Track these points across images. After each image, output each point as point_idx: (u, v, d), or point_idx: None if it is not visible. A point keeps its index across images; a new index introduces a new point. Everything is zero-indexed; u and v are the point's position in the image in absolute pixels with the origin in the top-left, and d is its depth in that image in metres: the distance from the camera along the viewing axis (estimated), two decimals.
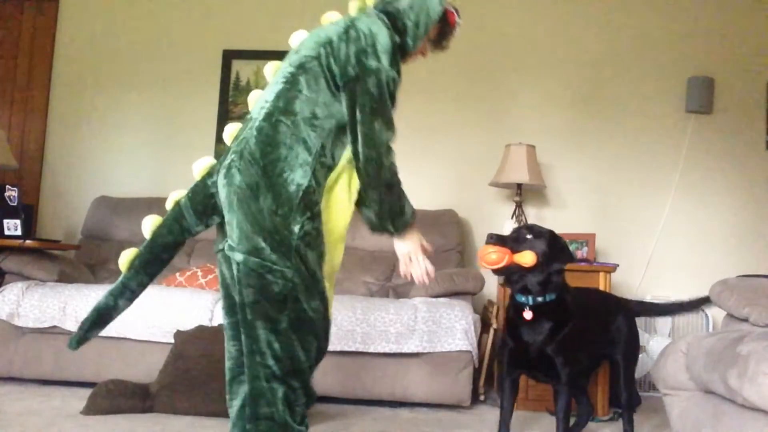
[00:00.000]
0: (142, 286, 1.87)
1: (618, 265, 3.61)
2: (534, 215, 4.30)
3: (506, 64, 4.48)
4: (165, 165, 4.65)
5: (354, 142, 1.78)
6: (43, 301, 3.42)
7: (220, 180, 1.79)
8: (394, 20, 1.87)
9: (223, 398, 2.79)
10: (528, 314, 2.35)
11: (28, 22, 4.87)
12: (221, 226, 1.85)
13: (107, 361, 3.32)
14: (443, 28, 2.00)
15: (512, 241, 2.33)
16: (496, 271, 2.36)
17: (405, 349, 3.22)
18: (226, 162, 1.79)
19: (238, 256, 1.72)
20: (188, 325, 3.23)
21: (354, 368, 3.23)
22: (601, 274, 3.46)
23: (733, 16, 4.37)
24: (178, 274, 3.80)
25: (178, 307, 3.34)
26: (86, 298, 3.39)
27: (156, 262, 1.88)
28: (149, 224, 1.87)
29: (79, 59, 4.82)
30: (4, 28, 4.87)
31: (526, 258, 2.28)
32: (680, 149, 4.34)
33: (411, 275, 1.98)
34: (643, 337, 3.83)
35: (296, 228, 1.70)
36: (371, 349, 3.21)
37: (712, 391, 2.08)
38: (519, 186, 4.07)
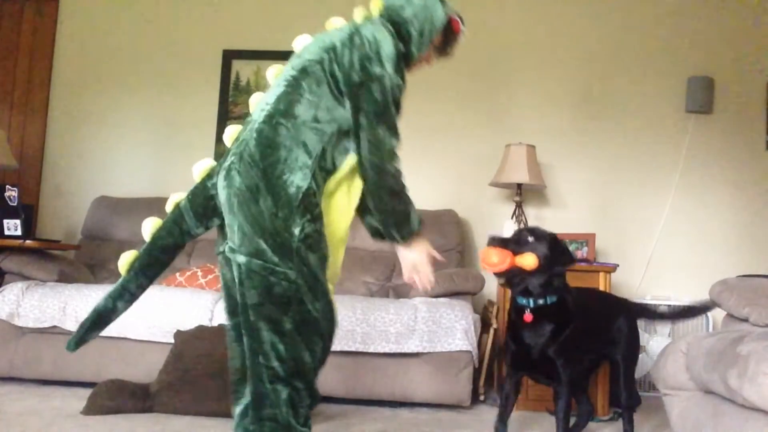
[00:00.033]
0: (142, 289, 1.87)
1: (618, 265, 3.61)
2: (534, 215, 4.31)
3: (506, 64, 4.48)
4: (165, 165, 4.65)
5: (358, 148, 1.79)
6: (43, 301, 3.42)
7: (220, 182, 1.79)
8: (398, 29, 1.89)
9: (223, 398, 2.81)
10: (528, 316, 2.36)
11: (28, 22, 4.87)
12: (221, 228, 1.85)
13: (107, 361, 3.32)
14: (447, 36, 2.01)
15: (514, 243, 2.33)
16: (497, 274, 2.36)
17: (405, 349, 3.22)
18: (226, 164, 1.79)
19: (240, 258, 1.72)
20: (188, 325, 3.23)
21: (354, 368, 3.23)
22: (601, 274, 3.46)
23: (733, 16, 4.37)
24: (178, 274, 3.80)
25: (178, 307, 3.34)
26: (86, 298, 3.39)
27: (156, 264, 1.87)
28: (149, 227, 1.87)
29: (79, 59, 4.82)
30: (4, 28, 4.87)
31: (528, 261, 2.28)
32: (680, 149, 4.34)
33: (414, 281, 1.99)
34: (643, 337, 3.83)
35: (296, 230, 1.70)
36: (371, 349, 3.21)
37: (712, 391, 2.08)
38: (519, 186, 4.07)
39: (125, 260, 1.85)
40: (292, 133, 1.75)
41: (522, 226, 4.04)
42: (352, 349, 3.20)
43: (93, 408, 2.80)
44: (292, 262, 1.70)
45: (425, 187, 4.29)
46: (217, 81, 4.67)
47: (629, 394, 2.68)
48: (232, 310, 1.87)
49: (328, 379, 3.15)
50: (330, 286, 1.82)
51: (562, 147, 4.40)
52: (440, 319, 3.26)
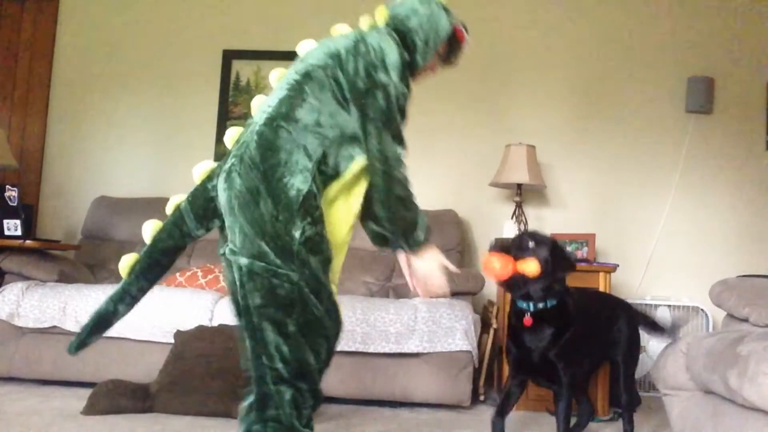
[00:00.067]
0: (143, 292, 1.88)
1: (618, 265, 3.61)
2: (534, 215, 4.31)
3: (506, 64, 4.48)
4: (165, 165, 4.65)
5: (367, 156, 1.79)
6: (43, 301, 3.42)
7: (221, 184, 1.79)
8: (403, 38, 1.90)
9: (223, 398, 2.81)
10: (528, 320, 2.35)
11: (28, 22, 4.86)
12: (222, 229, 1.85)
13: (107, 361, 3.32)
14: (452, 45, 2.02)
15: (515, 249, 2.31)
16: (501, 283, 2.36)
17: (405, 349, 3.22)
18: (227, 166, 1.79)
19: (242, 260, 1.72)
20: (188, 325, 3.23)
21: (354, 368, 3.23)
22: (601, 275, 3.46)
23: (733, 16, 4.37)
24: (178, 274, 3.80)
25: (178, 307, 3.34)
26: (86, 298, 3.39)
27: (156, 267, 1.88)
28: (149, 229, 1.87)
29: (79, 59, 4.82)
30: (4, 28, 4.87)
31: (531, 267, 2.25)
32: (680, 149, 4.34)
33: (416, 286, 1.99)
34: (643, 337, 3.82)
35: (297, 233, 1.70)
36: (371, 349, 3.21)
37: (712, 391, 2.08)
38: (519, 186, 4.07)
39: (126, 263, 1.85)
40: (293, 137, 1.75)
41: (522, 226, 4.04)
42: (352, 349, 3.20)
43: (93, 408, 2.80)
44: (294, 264, 1.70)
45: (425, 187, 4.26)
46: (217, 81, 4.67)
47: (629, 395, 2.68)
48: (237, 311, 1.87)
49: (328, 380, 3.12)
50: (333, 288, 1.82)
51: (562, 147, 4.40)
52: (440, 319, 3.26)
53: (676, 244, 4.29)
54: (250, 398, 1.84)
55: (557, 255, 2.34)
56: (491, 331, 3.50)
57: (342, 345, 3.17)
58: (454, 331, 3.23)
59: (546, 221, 4.32)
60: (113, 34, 4.80)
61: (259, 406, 1.74)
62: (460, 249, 4.14)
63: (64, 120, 4.79)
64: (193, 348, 3.01)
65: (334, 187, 1.80)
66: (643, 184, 4.36)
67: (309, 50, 1.93)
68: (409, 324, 3.25)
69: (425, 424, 2.97)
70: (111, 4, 4.84)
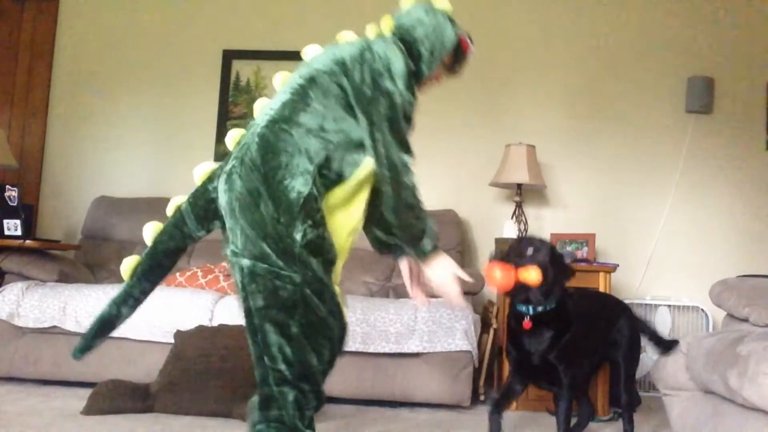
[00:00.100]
0: (145, 294, 1.88)
1: (618, 265, 3.61)
2: (534, 215, 4.31)
3: (506, 64, 4.48)
4: (165, 165, 4.65)
5: (375, 163, 1.80)
6: (43, 301, 3.42)
7: (221, 185, 1.79)
8: (409, 47, 1.91)
9: (223, 398, 2.81)
10: (527, 323, 2.34)
11: (28, 22, 4.86)
12: (225, 230, 1.85)
13: (107, 361, 3.31)
14: (457, 56, 2.04)
15: (515, 256, 2.30)
16: (504, 293, 2.35)
17: (405, 349, 3.22)
18: (228, 167, 1.80)
19: (245, 262, 1.72)
20: (188, 325, 3.23)
21: (354, 368, 3.22)
22: (601, 274, 3.47)
23: (733, 16, 4.37)
24: (178, 274, 3.80)
25: (178, 307, 3.34)
26: (86, 298, 3.39)
27: (158, 268, 1.88)
28: (150, 231, 1.88)
29: (79, 59, 4.82)
30: (4, 27, 4.87)
31: (532, 276, 2.22)
32: (680, 149, 4.34)
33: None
34: (644, 338, 3.82)
35: (298, 236, 1.70)
36: (371, 349, 3.21)
37: (712, 391, 2.08)
38: (519, 186, 4.07)
39: (128, 265, 1.86)
40: (295, 140, 1.75)
41: (522, 226, 4.04)
42: (352, 349, 3.19)
43: (93, 408, 2.80)
44: (296, 266, 1.70)
45: (425, 187, 4.21)
46: (217, 81, 4.67)
47: (629, 395, 2.68)
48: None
49: (328, 380, 3.15)
50: (337, 289, 1.82)
51: (562, 147, 4.40)
52: (440, 319, 3.26)
53: (676, 244, 4.29)
54: (256, 396, 1.84)
55: (557, 261, 2.34)
56: (491, 331, 3.50)
57: None
58: (454, 331, 3.23)
59: (546, 221, 4.32)
60: (113, 34, 4.80)
61: (263, 406, 1.75)
62: (460, 249, 4.14)
63: (64, 120, 4.79)
64: (193, 348, 3.01)
65: (336, 192, 1.80)
66: (643, 184, 4.36)
67: (314, 55, 1.93)
68: (409, 324, 3.25)
69: (425, 424, 2.97)
70: (111, 4, 4.84)
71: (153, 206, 4.13)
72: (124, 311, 1.86)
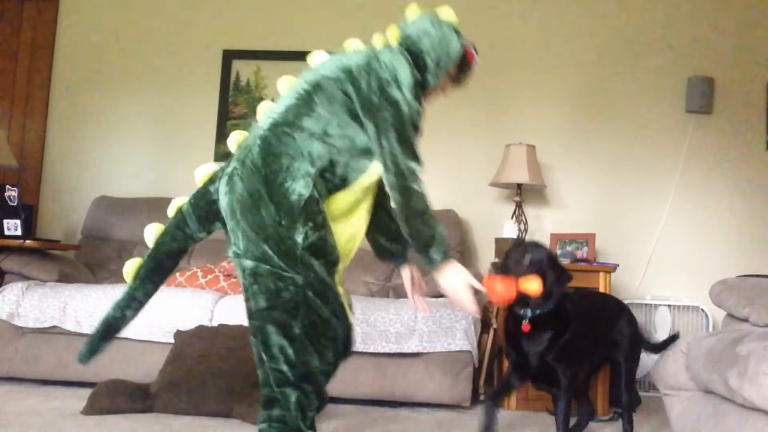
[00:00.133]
0: (148, 296, 1.89)
1: (618, 265, 3.61)
2: (534, 215, 4.30)
3: (506, 64, 4.47)
4: (165, 165, 4.65)
5: (383, 170, 1.81)
6: (43, 301, 3.42)
7: (222, 187, 1.80)
8: (415, 58, 1.92)
9: (223, 398, 2.81)
10: (526, 326, 2.34)
11: (28, 22, 4.86)
12: (227, 231, 1.86)
13: (107, 361, 3.30)
14: (462, 66, 2.06)
15: (514, 264, 2.27)
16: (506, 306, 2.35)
17: (405, 349, 3.22)
18: (229, 169, 1.80)
19: (247, 263, 1.72)
20: (188, 325, 3.23)
21: (354, 368, 3.22)
22: (601, 274, 3.46)
23: (732, 16, 4.37)
24: (178, 274, 3.80)
25: (178, 307, 3.34)
26: (86, 298, 3.39)
27: (160, 270, 1.88)
28: (152, 232, 1.88)
29: (79, 59, 4.82)
30: (4, 27, 4.87)
31: (533, 286, 2.19)
32: (680, 149, 4.34)
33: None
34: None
35: (299, 238, 1.70)
36: (371, 349, 3.21)
37: (712, 391, 2.08)
38: (519, 186, 4.07)
39: (131, 268, 1.86)
40: (297, 143, 1.76)
41: (522, 226, 4.04)
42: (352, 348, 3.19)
43: (93, 408, 2.80)
44: (298, 267, 1.70)
45: (425, 187, 4.28)
46: (217, 81, 4.67)
47: (630, 395, 2.68)
48: None
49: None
50: (341, 290, 1.82)
51: (562, 147, 4.40)
52: (440, 319, 3.26)
53: (676, 244, 4.29)
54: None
55: (555, 267, 2.33)
56: (491, 331, 3.51)
57: None
58: (454, 331, 3.23)
59: (546, 221, 4.32)
60: (113, 35, 4.80)
61: (265, 407, 1.75)
62: (460, 249, 4.14)
63: (64, 120, 4.79)
64: (193, 348, 3.01)
65: (339, 197, 1.81)
66: (643, 184, 4.35)
67: (321, 62, 1.94)
68: (409, 324, 3.25)
69: (425, 424, 2.96)
70: (111, 4, 4.84)
71: (153, 206, 4.13)
72: (128, 314, 1.87)
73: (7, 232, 3.79)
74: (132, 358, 3.33)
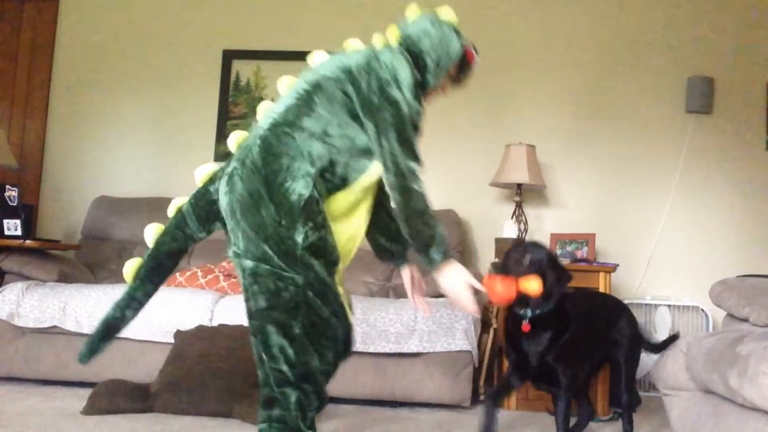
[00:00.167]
0: (148, 296, 1.89)
1: (618, 265, 3.61)
2: (534, 215, 4.30)
3: (506, 64, 4.47)
4: (165, 165, 4.65)
5: (383, 170, 1.81)
6: (43, 301, 3.42)
7: (222, 187, 1.80)
8: (415, 58, 1.92)
9: (223, 398, 2.81)
10: (526, 326, 2.34)
11: (28, 22, 4.86)
12: (227, 231, 1.86)
13: (107, 361, 3.29)
14: (462, 66, 2.06)
15: (514, 264, 2.27)
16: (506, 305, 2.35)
17: (405, 349, 3.22)
18: (229, 169, 1.80)
19: (248, 263, 1.72)
20: (188, 325, 3.23)
21: (354, 368, 3.22)
22: (601, 274, 3.46)
23: (732, 16, 4.37)
24: (178, 274, 3.80)
25: (178, 307, 3.34)
26: (86, 298, 3.39)
27: (160, 270, 1.88)
28: (152, 232, 1.88)
29: (79, 59, 4.82)
30: (4, 27, 4.87)
31: (533, 286, 2.19)
32: (680, 149, 4.34)
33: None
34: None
35: (299, 238, 1.70)
36: (371, 349, 3.21)
37: (712, 391, 2.08)
38: (519, 186, 4.07)
39: (131, 268, 1.86)
40: (297, 143, 1.76)
41: (522, 226, 4.04)
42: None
43: (93, 408, 2.80)
44: (298, 267, 1.70)
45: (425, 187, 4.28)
46: (217, 81, 4.66)
47: (630, 395, 2.68)
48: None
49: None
50: (341, 290, 1.82)
51: (562, 147, 4.40)
52: (440, 319, 3.26)
53: (676, 244, 4.29)
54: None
55: (556, 267, 2.33)
56: (491, 331, 3.51)
57: None
58: (454, 331, 3.23)
59: (546, 221, 4.32)
60: (113, 35, 4.80)
61: (265, 407, 1.75)
62: (460, 249, 4.14)
63: (64, 120, 4.79)
64: (193, 348, 3.01)
65: (339, 197, 1.80)
66: (643, 184, 4.35)
67: (321, 62, 1.94)
68: (409, 324, 3.25)
69: (425, 424, 2.96)
70: (111, 4, 4.84)
71: (153, 206, 4.13)
72: (128, 314, 1.87)
73: (7, 232, 3.79)
74: (132, 358, 3.33)
